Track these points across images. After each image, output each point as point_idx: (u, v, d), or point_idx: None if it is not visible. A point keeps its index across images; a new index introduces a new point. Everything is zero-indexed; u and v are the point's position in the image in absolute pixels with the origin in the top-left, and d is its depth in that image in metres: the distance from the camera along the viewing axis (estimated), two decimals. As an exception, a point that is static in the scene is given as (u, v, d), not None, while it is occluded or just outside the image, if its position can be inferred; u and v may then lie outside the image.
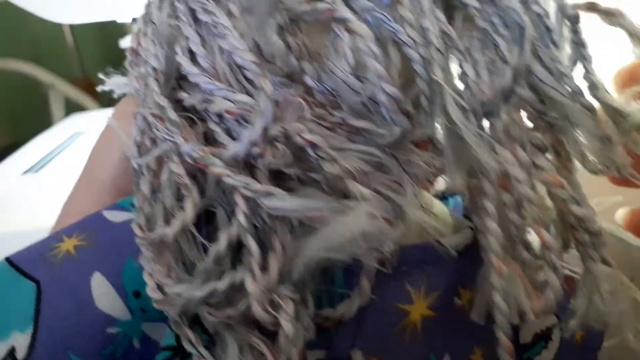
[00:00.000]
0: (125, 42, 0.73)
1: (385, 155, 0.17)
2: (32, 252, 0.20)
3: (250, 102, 0.17)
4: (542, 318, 0.19)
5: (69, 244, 0.20)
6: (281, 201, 0.16)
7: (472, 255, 0.19)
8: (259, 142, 0.16)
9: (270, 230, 0.17)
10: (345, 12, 0.17)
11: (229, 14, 0.19)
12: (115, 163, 0.23)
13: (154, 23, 0.20)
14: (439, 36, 0.17)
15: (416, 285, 0.19)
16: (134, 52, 0.21)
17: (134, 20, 0.76)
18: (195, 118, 0.18)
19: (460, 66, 0.18)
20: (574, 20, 0.19)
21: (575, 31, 0.19)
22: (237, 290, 0.17)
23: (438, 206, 0.22)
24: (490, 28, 0.18)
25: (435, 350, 0.19)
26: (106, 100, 1.30)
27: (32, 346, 0.18)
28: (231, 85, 0.18)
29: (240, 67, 0.18)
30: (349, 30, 0.17)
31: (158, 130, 0.18)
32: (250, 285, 0.16)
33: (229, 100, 0.17)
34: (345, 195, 0.16)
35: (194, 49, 0.19)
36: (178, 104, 0.19)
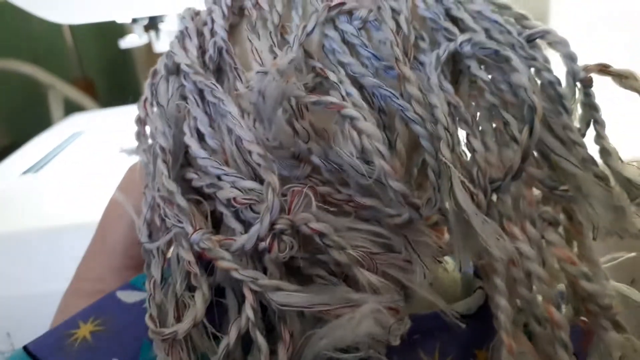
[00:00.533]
0: (125, 43, 0.73)
1: (394, 235, 0.18)
2: (49, 340, 0.20)
3: (257, 189, 0.18)
4: None
5: (85, 331, 0.20)
6: (288, 297, 0.16)
7: (484, 316, 0.19)
8: (266, 236, 0.17)
9: (279, 319, 0.18)
10: (352, 110, 0.17)
11: (237, 95, 0.19)
12: (126, 231, 0.24)
13: (161, 105, 0.20)
14: (447, 113, 0.18)
15: (430, 352, 0.19)
16: (141, 122, 0.22)
17: (134, 20, 0.76)
18: (203, 197, 0.19)
19: (468, 140, 0.18)
20: (587, 84, 0.19)
21: (588, 94, 0.19)
22: None
23: (450, 268, 0.23)
24: (499, 103, 0.19)
25: None
26: (105, 100, 1.30)
27: None
28: (238, 166, 0.19)
29: (249, 152, 0.18)
30: (356, 129, 0.17)
31: (167, 216, 0.18)
32: None
33: (237, 188, 0.18)
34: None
35: (202, 129, 0.19)
36: (186, 183, 0.19)
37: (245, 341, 0.18)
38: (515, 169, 0.17)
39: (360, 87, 0.19)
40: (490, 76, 0.19)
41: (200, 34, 0.21)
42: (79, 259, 0.55)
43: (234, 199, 0.18)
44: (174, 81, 0.21)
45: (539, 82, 0.19)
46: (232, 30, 0.21)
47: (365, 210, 0.18)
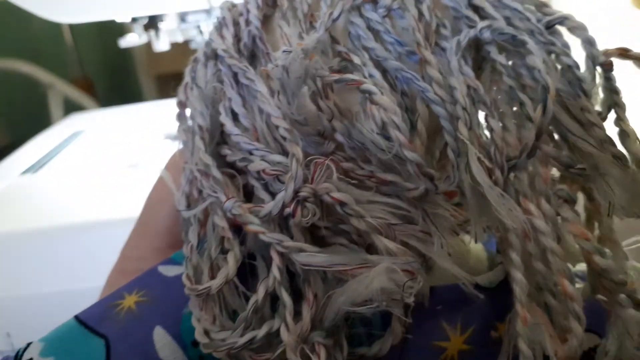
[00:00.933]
0: (125, 42, 0.73)
1: (413, 208, 0.19)
2: (97, 310, 0.22)
3: (284, 162, 0.20)
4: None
5: (129, 301, 0.22)
6: (310, 257, 0.18)
7: (506, 290, 0.21)
8: (290, 203, 0.18)
9: (303, 280, 0.19)
10: (369, 85, 0.19)
11: (268, 76, 0.21)
12: (169, 213, 0.26)
13: (199, 86, 0.23)
14: (465, 94, 0.19)
15: (452, 323, 0.21)
16: (182, 105, 0.24)
17: (134, 19, 0.76)
18: (237, 171, 0.21)
19: (487, 120, 0.20)
20: (607, 69, 0.20)
21: (608, 78, 0.20)
22: (275, 335, 0.19)
23: (472, 243, 0.24)
24: (516, 85, 0.20)
25: None
26: (105, 99, 1.31)
27: None
28: (268, 143, 0.21)
29: (277, 127, 0.20)
30: (374, 102, 0.19)
31: (204, 186, 0.21)
32: (285, 335, 0.18)
33: (265, 161, 0.20)
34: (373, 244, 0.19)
35: (235, 109, 0.22)
36: (222, 159, 0.21)
37: (274, 304, 0.20)
38: (529, 147, 0.18)
39: (384, 71, 0.21)
40: (510, 62, 0.20)
41: (236, 24, 0.24)
42: (78, 259, 0.56)
43: (263, 170, 0.20)
44: (211, 66, 0.23)
45: (558, 66, 0.20)
46: (266, 20, 0.24)
47: (386, 185, 0.19)
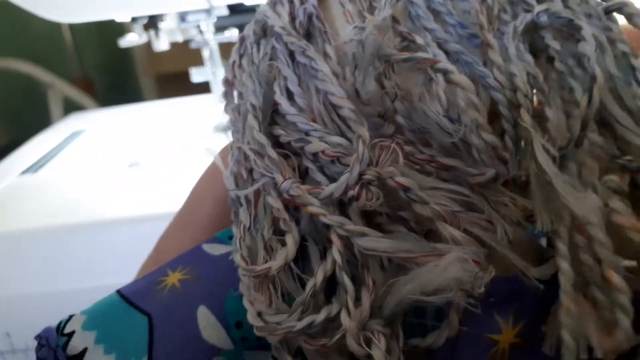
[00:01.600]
0: (125, 42, 0.73)
1: (475, 195, 0.19)
2: (140, 285, 0.22)
3: (345, 144, 0.19)
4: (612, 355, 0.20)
5: (174, 278, 0.22)
6: (375, 242, 0.18)
7: (556, 284, 0.20)
8: (354, 185, 0.18)
9: (362, 266, 0.19)
10: (447, 64, 0.19)
11: (325, 55, 0.21)
12: (215, 204, 0.25)
13: (254, 63, 0.22)
14: (526, 81, 0.19)
15: (505, 316, 0.20)
16: (229, 83, 0.24)
17: (133, 19, 0.76)
18: (289, 153, 0.20)
19: (543, 109, 0.19)
20: None
21: None
22: (332, 321, 0.18)
23: (521, 234, 0.23)
24: (567, 70, 0.20)
25: None
26: (105, 99, 1.31)
27: None
28: (325, 125, 0.20)
29: (334, 107, 0.20)
30: (450, 81, 0.19)
31: (257, 166, 0.20)
32: (346, 321, 0.18)
33: (325, 142, 0.19)
34: (431, 232, 0.18)
35: (291, 88, 0.21)
36: (273, 139, 0.21)
37: (326, 290, 0.19)
38: (575, 137, 0.18)
39: (446, 53, 0.20)
40: (563, 47, 0.20)
41: (290, 1, 0.23)
42: (79, 259, 0.56)
43: (323, 151, 0.19)
44: (265, 44, 0.22)
45: (612, 53, 0.20)
46: (319, 0, 0.23)
47: (447, 170, 0.19)
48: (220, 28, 0.76)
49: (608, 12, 0.20)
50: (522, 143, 0.19)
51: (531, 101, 0.19)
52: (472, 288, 0.17)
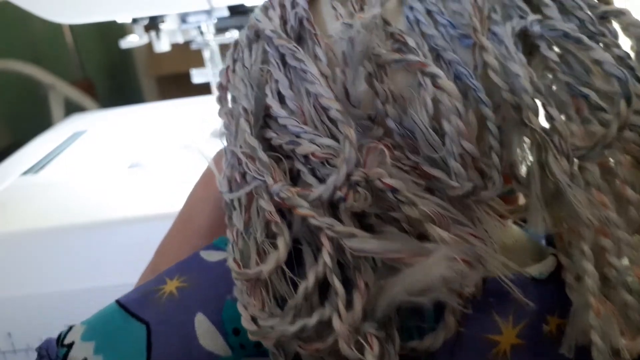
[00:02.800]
0: (125, 43, 0.73)
1: (456, 210, 0.19)
2: (138, 294, 0.22)
3: (334, 146, 0.19)
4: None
5: (171, 286, 0.22)
6: (363, 243, 0.17)
7: (555, 281, 0.20)
8: (342, 186, 0.18)
9: (354, 268, 0.19)
10: (435, 68, 0.19)
11: (315, 57, 0.21)
12: (212, 211, 0.25)
13: (246, 67, 0.22)
14: (530, 81, 0.19)
15: (504, 316, 0.20)
16: (223, 88, 0.24)
17: (134, 20, 0.76)
18: (281, 156, 0.20)
19: (545, 109, 0.19)
20: None
21: None
22: (325, 325, 0.18)
23: (517, 234, 0.23)
24: (574, 81, 0.20)
25: None
26: (106, 100, 1.30)
27: None
28: (316, 127, 0.20)
29: (325, 109, 0.20)
30: (437, 86, 0.18)
31: (249, 169, 0.20)
32: (337, 324, 0.18)
33: (315, 144, 0.19)
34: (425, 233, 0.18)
35: (282, 91, 0.21)
36: (266, 142, 0.21)
37: (320, 293, 0.19)
38: (609, 139, 0.18)
39: (437, 57, 0.20)
40: (562, 55, 0.20)
41: (282, 6, 0.23)
42: (79, 259, 0.55)
43: (313, 153, 0.19)
44: (257, 47, 0.23)
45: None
46: (311, 3, 0.23)
47: (429, 179, 0.19)
48: (221, 29, 0.76)
49: (604, 17, 0.20)
50: (528, 146, 0.19)
51: (535, 102, 0.19)
52: (461, 287, 0.17)
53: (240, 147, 0.20)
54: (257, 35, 0.23)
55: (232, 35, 0.75)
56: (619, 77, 0.18)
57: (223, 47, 0.76)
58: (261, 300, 0.19)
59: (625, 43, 0.20)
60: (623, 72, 0.18)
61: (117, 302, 0.22)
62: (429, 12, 0.21)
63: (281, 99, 0.21)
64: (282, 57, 0.21)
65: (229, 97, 0.24)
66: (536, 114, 0.18)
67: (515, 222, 0.23)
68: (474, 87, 0.19)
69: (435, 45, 0.20)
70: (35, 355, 0.22)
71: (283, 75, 0.21)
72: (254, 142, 0.20)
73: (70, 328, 0.21)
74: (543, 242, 0.23)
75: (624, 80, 0.18)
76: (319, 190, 0.18)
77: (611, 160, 0.20)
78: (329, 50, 0.21)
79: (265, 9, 0.23)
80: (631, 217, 0.20)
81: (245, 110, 0.21)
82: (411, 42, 0.20)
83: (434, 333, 0.19)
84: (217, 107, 0.24)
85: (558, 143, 0.18)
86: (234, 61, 0.24)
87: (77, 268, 0.52)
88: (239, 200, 0.21)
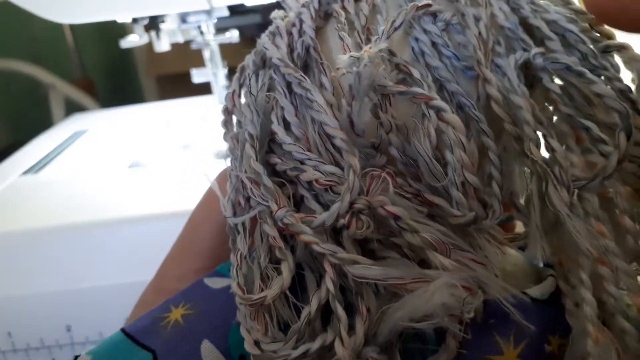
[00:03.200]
0: (126, 43, 0.73)
1: (456, 236, 0.19)
2: (144, 323, 0.22)
3: (338, 173, 0.19)
4: None
5: (176, 314, 0.22)
6: (365, 270, 0.18)
7: (556, 302, 0.21)
8: (345, 214, 0.18)
9: (356, 293, 0.19)
10: (440, 102, 0.19)
11: (321, 86, 0.21)
12: (214, 233, 0.25)
13: (252, 94, 0.22)
14: (532, 114, 0.19)
15: (505, 336, 0.20)
16: (228, 112, 0.24)
17: (134, 20, 0.76)
18: (285, 181, 0.21)
19: (546, 141, 0.20)
20: None
21: None
22: (327, 349, 0.19)
23: (516, 259, 0.24)
24: (576, 113, 0.20)
25: None
26: (106, 100, 1.30)
27: None
28: (320, 154, 0.20)
29: (329, 137, 0.20)
30: (442, 119, 0.19)
31: (253, 194, 0.20)
32: (339, 350, 0.18)
33: (319, 171, 0.20)
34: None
35: (288, 118, 0.21)
36: (270, 167, 0.21)
37: (323, 317, 0.19)
38: (609, 171, 0.18)
39: (440, 87, 0.21)
40: (564, 87, 0.20)
41: (289, 34, 0.23)
42: (79, 259, 0.56)
43: (316, 180, 0.19)
44: (264, 74, 0.23)
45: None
46: (318, 32, 0.24)
47: (431, 207, 0.19)
48: (221, 29, 0.76)
49: (606, 51, 0.20)
50: (529, 178, 0.20)
51: (537, 135, 0.19)
52: (462, 313, 0.17)
53: (245, 171, 0.21)
54: (263, 61, 0.23)
55: (232, 35, 0.75)
56: (619, 111, 0.18)
57: (223, 47, 0.76)
58: (264, 325, 0.19)
59: (627, 77, 0.21)
60: (624, 106, 0.18)
61: (123, 330, 0.22)
62: (434, 44, 0.21)
63: (286, 125, 0.21)
64: (289, 85, 0.22)
65: (234, 120, 0.24)
66: (538, 146, 0.19)
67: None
68: (476, 118, 0.19)
69: (439, 76, 0.20)
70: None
71: (289, 102, 0.21)
72: (259, 168, 0.20)
73: (77, 358, 0.21)
74: (541, 264, 0.24)
75: (624, 114, 0.18)
76: (322, 217, 0.18)
77: (610, 190, 0.20)
78: (334, 79, 0.21)
79: (272, 35, 0.24)
80: (629, 246, 0.20)
81: (251, 136, 0.21)
82: (416, 74, 0.20)
83: (436, 356, 0.20)
84: (222, 130, 0.24)
85: (559, 174, 0.18)
86: (240, 86, 0.24)
87: (77, 268, 0.52)
88: (243, 224, 0.21)
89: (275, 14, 0.25)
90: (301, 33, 0.23)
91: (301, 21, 0.23)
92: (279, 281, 0.19)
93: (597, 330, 0.18)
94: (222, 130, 0.24)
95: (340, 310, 0.19)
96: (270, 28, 0.24)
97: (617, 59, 0.21)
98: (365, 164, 0.20)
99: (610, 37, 0.21)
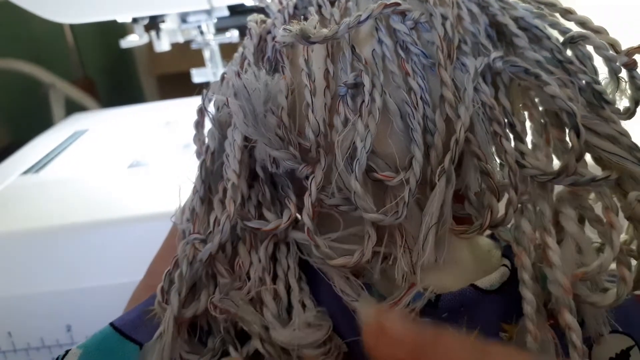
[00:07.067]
0: (126, 42, 0.73)
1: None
2: (132, 317, 0.23)
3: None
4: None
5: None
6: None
7: (509, 291, 0.21)
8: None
9: None
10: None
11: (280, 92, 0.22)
12: None
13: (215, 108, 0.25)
14: (467, 125, 0.20)
15: (458, 329, 0.21)
16: (202, 114, 0.27)
17: (135, 20, 0.76)
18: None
19: (499, 141, 0.20)
20: (631, 67, 0.21)
21: (633, 77, 0.21)
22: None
23: (486, 245, 0.24)
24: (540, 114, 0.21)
25: None
26: (106, 99, 1.30)
27: None
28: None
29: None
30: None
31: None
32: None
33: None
34: None
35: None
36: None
37: None
38: (571, 170, 0.19)
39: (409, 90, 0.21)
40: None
41: (261, 39, 0.25)
42: (79, 259, 0.55)
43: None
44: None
45: (576, 85, 0.21)
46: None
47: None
48: (220, 29, 0.76)
49: (572, 42, 0.21)
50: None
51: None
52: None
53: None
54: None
55: (232, 34, 0.75)
56: (567, 112, 0.19)
57: (223, 47, 0.76)
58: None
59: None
60: (571, 107, 0.19)
61: (112, 325, 0.23)
62: (396, 49, 0.22)
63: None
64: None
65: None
66: (484, 145, 0.20)
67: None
68: (412, 127, 0.20)
69: (393, 81, 0.21)
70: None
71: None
72: (199, 185, 0.23)
73: (67, 352, 0.22)
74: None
75: (572, 115, 0.19)
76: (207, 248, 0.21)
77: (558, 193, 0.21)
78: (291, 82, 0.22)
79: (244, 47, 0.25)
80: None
81: (207, 149, 0.23)
82: (367, 83, 0.21)
83: None
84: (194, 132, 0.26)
85: (508, 174, 0.20)
86: (208, 100, 0.26)
87: (77, 268, 0.52)
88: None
89: (251, 17, 0.26)
90: (273, 38, 0.24)
91: (274, 26, 0.24)
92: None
93: (536, 328, 0.19)
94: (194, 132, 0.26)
95: None
96: (246, 33, 0.25)
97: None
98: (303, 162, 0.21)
99: (584, 23, 0.21)
